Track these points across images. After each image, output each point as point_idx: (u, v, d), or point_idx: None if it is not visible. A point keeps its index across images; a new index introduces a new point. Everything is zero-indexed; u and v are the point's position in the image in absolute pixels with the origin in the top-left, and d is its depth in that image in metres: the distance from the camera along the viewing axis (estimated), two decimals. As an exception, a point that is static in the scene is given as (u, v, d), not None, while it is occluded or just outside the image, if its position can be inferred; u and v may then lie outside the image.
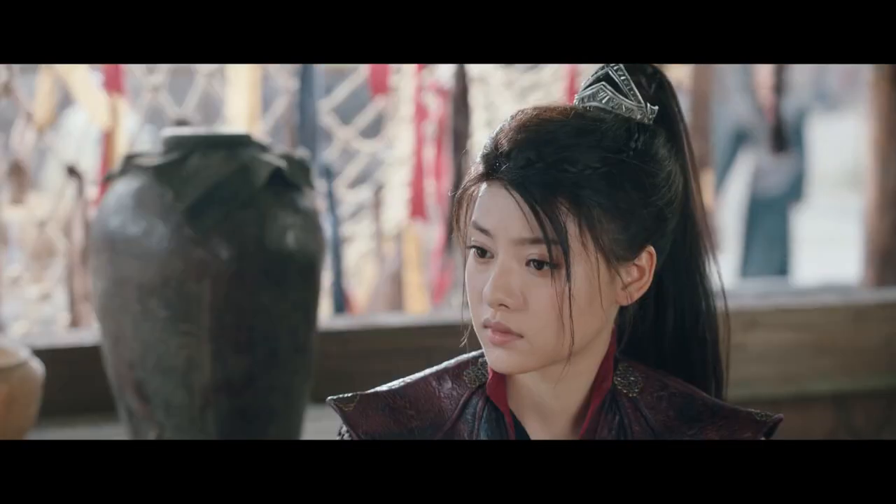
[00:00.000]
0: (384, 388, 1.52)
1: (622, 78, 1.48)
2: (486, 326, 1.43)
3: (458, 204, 1.47)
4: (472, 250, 1.45)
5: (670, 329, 1.55)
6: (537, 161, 1.41)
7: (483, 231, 1.43)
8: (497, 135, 1.45)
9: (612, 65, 1.48)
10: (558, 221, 1.40)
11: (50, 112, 3.30)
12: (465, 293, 1.47)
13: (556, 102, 1.49)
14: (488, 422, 1.49)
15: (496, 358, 1.44)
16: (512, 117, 1.47)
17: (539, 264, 1.41)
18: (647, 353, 1.56)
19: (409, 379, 1.53)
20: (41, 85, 3.15)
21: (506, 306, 1.42)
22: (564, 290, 1.41)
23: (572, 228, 1.40)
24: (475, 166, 1.46)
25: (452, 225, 1.49)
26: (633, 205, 1.43)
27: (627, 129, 1.44)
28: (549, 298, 1.41)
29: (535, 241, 1.41)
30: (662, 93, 1.52)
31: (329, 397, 1.52)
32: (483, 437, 1.48)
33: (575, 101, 1.49)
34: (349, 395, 1.52)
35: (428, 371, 1.54)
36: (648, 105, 1.48)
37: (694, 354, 1.57)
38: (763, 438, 1.50)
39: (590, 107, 1.47)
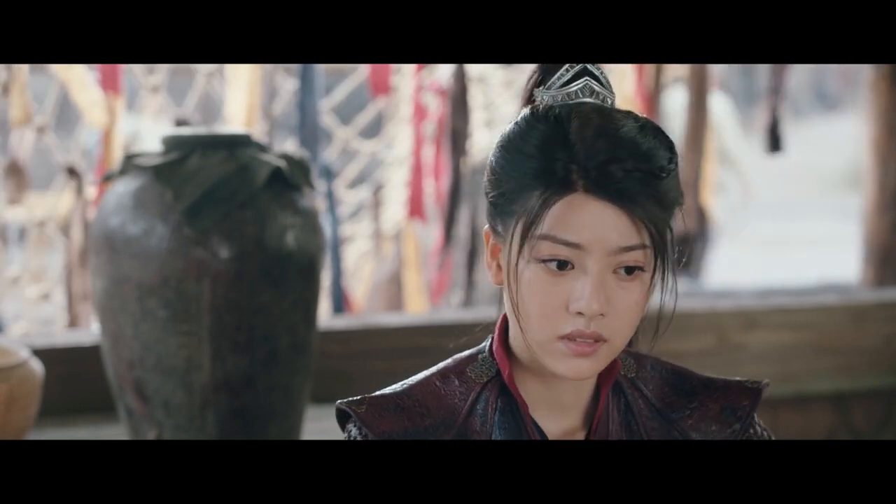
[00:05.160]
0: (388, 390, 1.51)
1: (599, 71, 1.48)
2: (567, 338, 1.41)
3: (535, 219, 1.41)
4: (544, 264, 1.41)
5: None
6: (633, 170, 1.39)
7: (572, 245, 1.40)
8: (567, 142, 1.40)
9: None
10: (664, 227, 1.40)
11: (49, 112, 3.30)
12: (517, 307, 1.43)
13: (588, 102, 1.46)
14: (503, 414, 1.49)
15: (576, 367, 1.42)
16: (571, 118, 1.42)
17: (630, 269, 1.41)
18: None
19: (410, 381, 1.52)
20: (12, 85, 3.13)
21: (602, 315, 1.41)
22: (667, 288, 1.43)
23: (665, 231, 1.41)
24: (547, 179, 1.40)
25: (521, 238, 1.42)
26: (680, 196, 1.45)
27: (656, 126, 1.45)
28: (635, 301, 1.42)
29: (631, 249, 1.40)
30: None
31: (338, 401, 1.50)
32: (498, 430, 1.49)
33: (557, 98, 1.46)
34: (357, 398, 1.50)
35: (428, 373, 1.53)
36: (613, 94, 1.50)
37: None
38: (755, 404, 1.54)
39: (587, 102, 1.45)
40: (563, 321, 1.41)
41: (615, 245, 1.40)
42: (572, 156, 1.40)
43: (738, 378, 1.57)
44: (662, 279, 1.43)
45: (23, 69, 3.06)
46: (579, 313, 1.40)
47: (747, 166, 7.75)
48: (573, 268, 1.41)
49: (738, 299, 3.56)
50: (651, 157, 1.40)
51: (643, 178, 1.39)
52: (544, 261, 1.41)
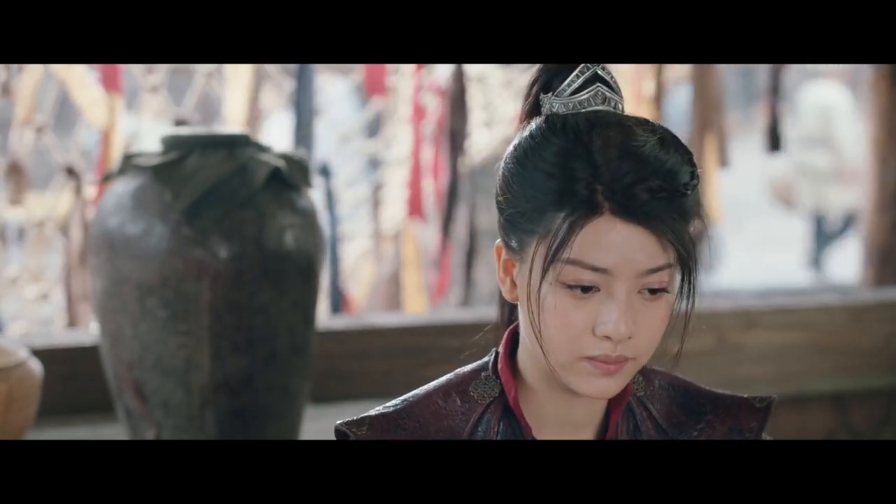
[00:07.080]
0: (390, 408, 1.47)
1: (609, 76, 1.44)
2: (592, 358, 1.38)
3: (561, 244, 1.36)
4: (568, 288, 1.37)
5: None
6: (659, 190, 1.35)
7: (598, 270, 1.36)
8: (590, 161, 1.36)
9: (591, 65, 1.43)
10: (689, 244, 1.38)
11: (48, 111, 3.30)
12: (538, 331, 1.39)
13: (601, 110, 1.42)
14: (505, 437, 1.45)
15: (603, 386, 1.39)
16: (591, 134, 1.38)
17: (655, 290, 1.38)
18: None
19: (410, 397, 1.48)
20: (25, 81, 3.13)
21: (629, 338, 1.38)
22: (688, 305, 1.40)
23: (691, 248, 1.39)
24: (571, 201, 1.36)
25: (545, 262, 1.37)
26: (700, 208, 1.42)
27: (675, 137, 1.41)
28: (660, 318, 1.39)
29: (658, 270, 1.37)
30: None
31: (338, 422, 1.46)
32: None
33: (569, 105, 1.42)
34: (357, 418, 1.46)
35: (430, 387, 1.49)
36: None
37: None
38: (764, 424, 1.52)
39: (600, 110, 1.41)
40: (589, 344, 1.38)
41: (643, 267, 1.36)
42: (597, 176, 1.36)
43: (745, 395, 1.54)
44: (689, 293, 1.40)
45: (34, 69, 3.06)
46: (606, 337, 1.37)
47: (855, 156, 7.84)
48: (598, 290, 1.37)
49: (737, 299, 3.56)
50: (675, 176, 1.36)
51: (668, 197, 1.35)
52: (569, 285, 1.37)
